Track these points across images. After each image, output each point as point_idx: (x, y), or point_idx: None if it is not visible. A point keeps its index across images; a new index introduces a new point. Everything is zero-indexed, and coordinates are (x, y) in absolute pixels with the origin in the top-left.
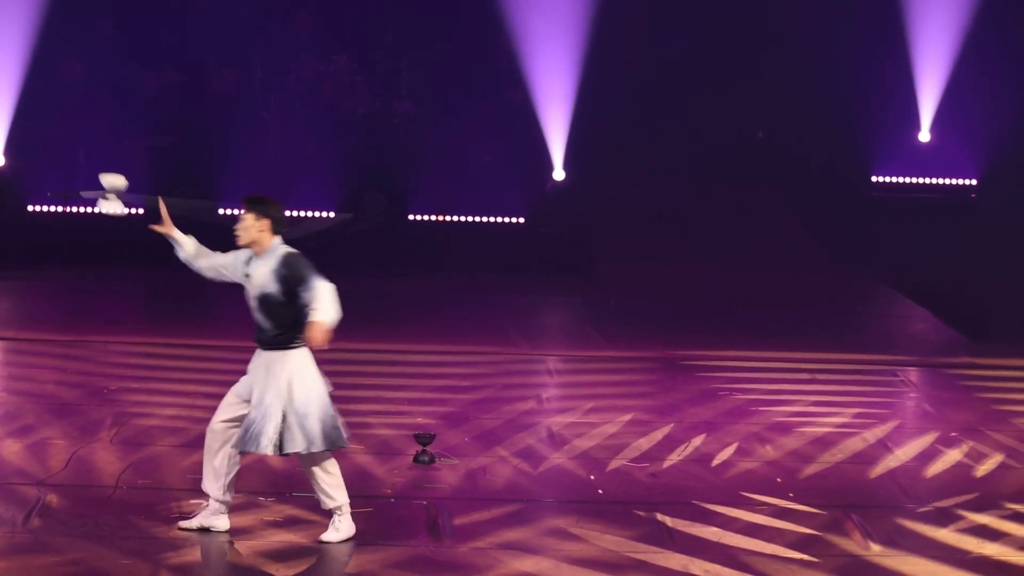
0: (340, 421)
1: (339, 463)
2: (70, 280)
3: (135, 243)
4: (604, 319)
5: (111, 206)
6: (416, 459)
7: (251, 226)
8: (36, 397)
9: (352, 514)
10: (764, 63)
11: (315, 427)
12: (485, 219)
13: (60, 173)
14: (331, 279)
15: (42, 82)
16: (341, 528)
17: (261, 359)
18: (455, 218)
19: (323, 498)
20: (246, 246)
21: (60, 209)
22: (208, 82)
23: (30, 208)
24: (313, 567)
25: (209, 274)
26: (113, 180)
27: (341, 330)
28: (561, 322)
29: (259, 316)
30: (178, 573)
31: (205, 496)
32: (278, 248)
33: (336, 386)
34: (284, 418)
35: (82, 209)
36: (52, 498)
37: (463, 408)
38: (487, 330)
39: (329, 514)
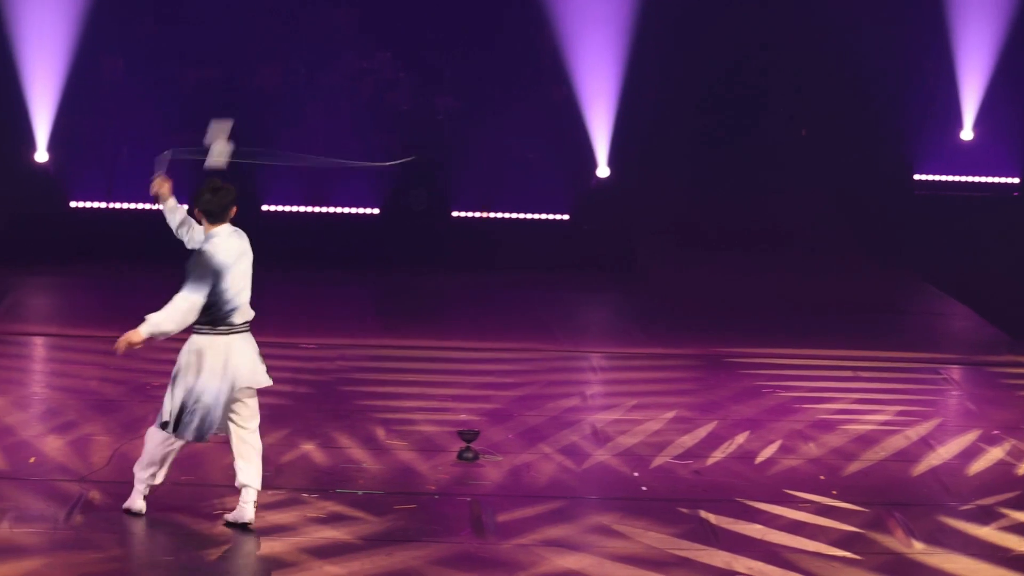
0: (196, 420)
1: (381, 459)
2: (113, 276)
3: (176, 240)
4: (647, 316)
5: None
6: (460, 456)
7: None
8: (78, 393)
9: (396, 510)
10: (807, 61)
11: (167, 406)
12: (528, 216)
13: (102, 169)
14: (376, 275)
15: (84, 79)
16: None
17: None
18: (498, 215)
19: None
20: None
21: (103, 205)
22: (249, 78)
23: (73, 204)
24: (356, 563)
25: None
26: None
27: (386, 326)
28: (605, 319)
29: None
30: (220, 570)
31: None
32: (206, 238)
33: (381, 382)
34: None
35: (124, 205)
36: (94, 494)
37: (507, 405)
38: (531, 327)
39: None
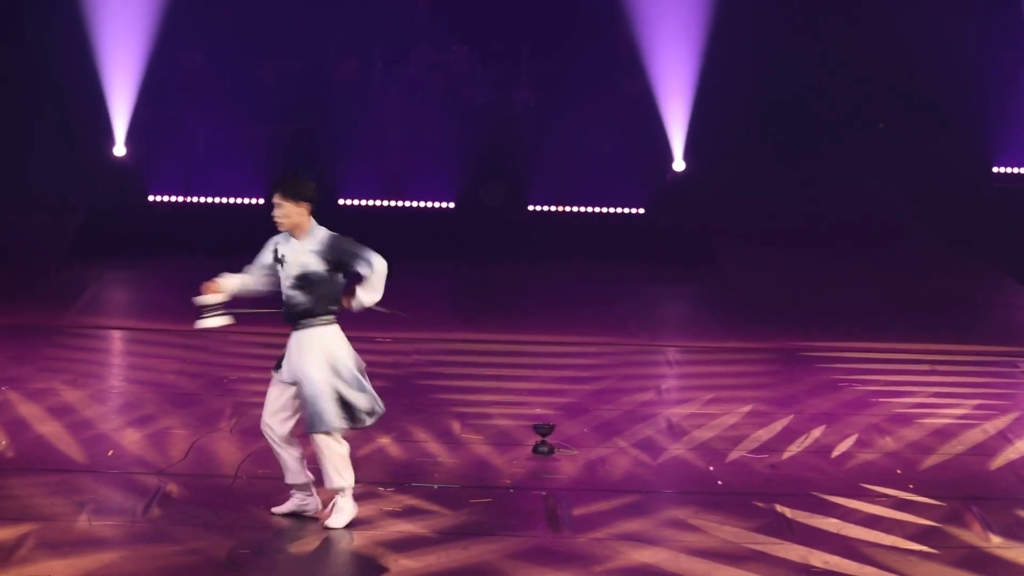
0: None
1: (456, 453)
2: (190, 269)
3: (253, 231)
4: (723, 310)
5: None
6: (535, 449)
7: (292, 212)
8: (156, 387)
9: (472, 504)
10: (884, 53)
11: (359, 400)
12: (604, 209)
13: (180, 162)
14: (452, 269)
15: (163, 72)
16: (345, 510)
17: (293, 339)
18: (574, 208)
19: (333, 476)
20: (288, 231)
21: (181, 199)
22: (327, 71)
23: (151, 198)
24: (432, 557)
25: (263, 289)
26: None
27: (460, 321)
28: (680, 313)
29: (294, 294)
30: (298, 563)
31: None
32: (317, 229)
33: (457, 376)
34: (339, 394)
35: (202, 199)
36: (172, 487)
37: (582, 399)
38: (606, 320)
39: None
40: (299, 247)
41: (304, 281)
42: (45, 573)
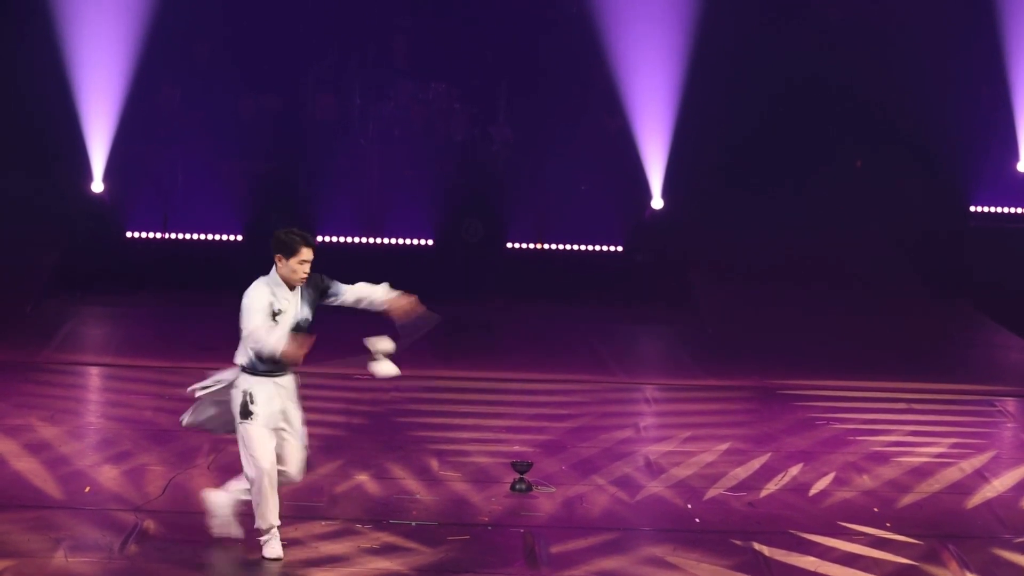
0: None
1: (434, 490)
2: (167, 306)
3: (231, 269)
4: (701, 348)
5: (382, 367)
6: (513, 487)
7: None
8: (134, 423)
9: (450, 542)
10: (862, 91)
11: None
12: (582, 247)
13: (158, 199)
14: (430, 306)
15: (141, 108)
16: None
17: (282, 386)
18: (552, 246)
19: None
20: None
21: (158, 235)
22: (306, 107)
23: (128, 234)
24: None
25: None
26: (379, 344)
27: (439, 358)
28: (658, 350)
29: None
30: None
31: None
32: None
33: (435, 413)
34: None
35: (180, 235)
36: (149, 524)
37: (560, 436)
38: (584, 358)
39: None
40: (298, 296)
41: (300, 331)
42: None
